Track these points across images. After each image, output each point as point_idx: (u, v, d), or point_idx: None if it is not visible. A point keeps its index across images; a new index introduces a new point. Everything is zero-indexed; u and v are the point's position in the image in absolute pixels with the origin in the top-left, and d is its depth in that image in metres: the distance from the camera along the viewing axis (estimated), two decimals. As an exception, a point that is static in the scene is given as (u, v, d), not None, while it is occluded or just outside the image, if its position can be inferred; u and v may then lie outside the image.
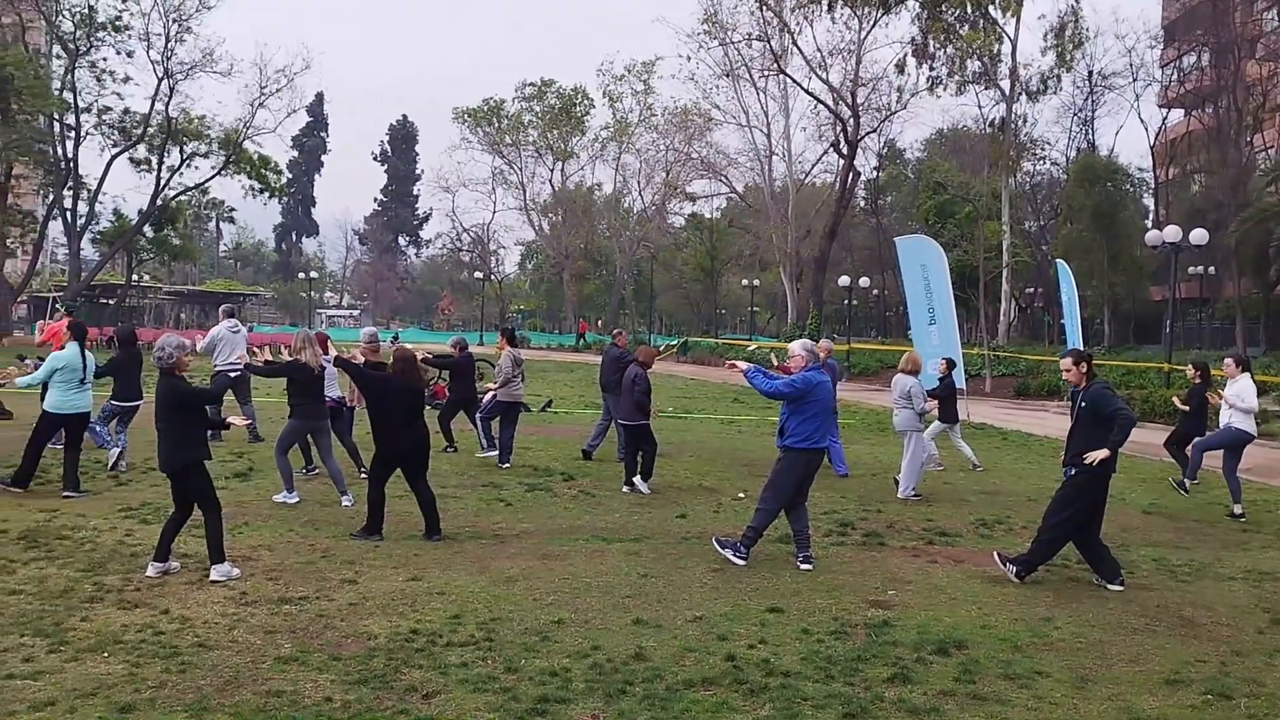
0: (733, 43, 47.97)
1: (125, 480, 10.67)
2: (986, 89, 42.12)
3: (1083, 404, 7.64)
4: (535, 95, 68.88)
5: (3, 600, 6.23)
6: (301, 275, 79.35)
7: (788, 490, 8.00)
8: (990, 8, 39.12)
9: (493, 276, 74.36)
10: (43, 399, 10.11)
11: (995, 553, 8.01)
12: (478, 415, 13.54)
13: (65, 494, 9.64)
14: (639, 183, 70.25)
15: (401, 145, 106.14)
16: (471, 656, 5.57)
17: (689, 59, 75.77)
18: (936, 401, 13.03)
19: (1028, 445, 17.31)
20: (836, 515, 10.04)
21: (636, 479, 11.13)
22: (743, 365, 8.23)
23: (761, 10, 45.16)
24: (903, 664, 5.69)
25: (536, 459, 13.27)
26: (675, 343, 52.94)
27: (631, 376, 11.31)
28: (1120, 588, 7.46)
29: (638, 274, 72.86)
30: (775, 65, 47.70)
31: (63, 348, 10.20)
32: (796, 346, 8.35)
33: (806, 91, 47.65)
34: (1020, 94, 41.62)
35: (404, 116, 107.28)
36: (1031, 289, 55.05)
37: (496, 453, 12.69)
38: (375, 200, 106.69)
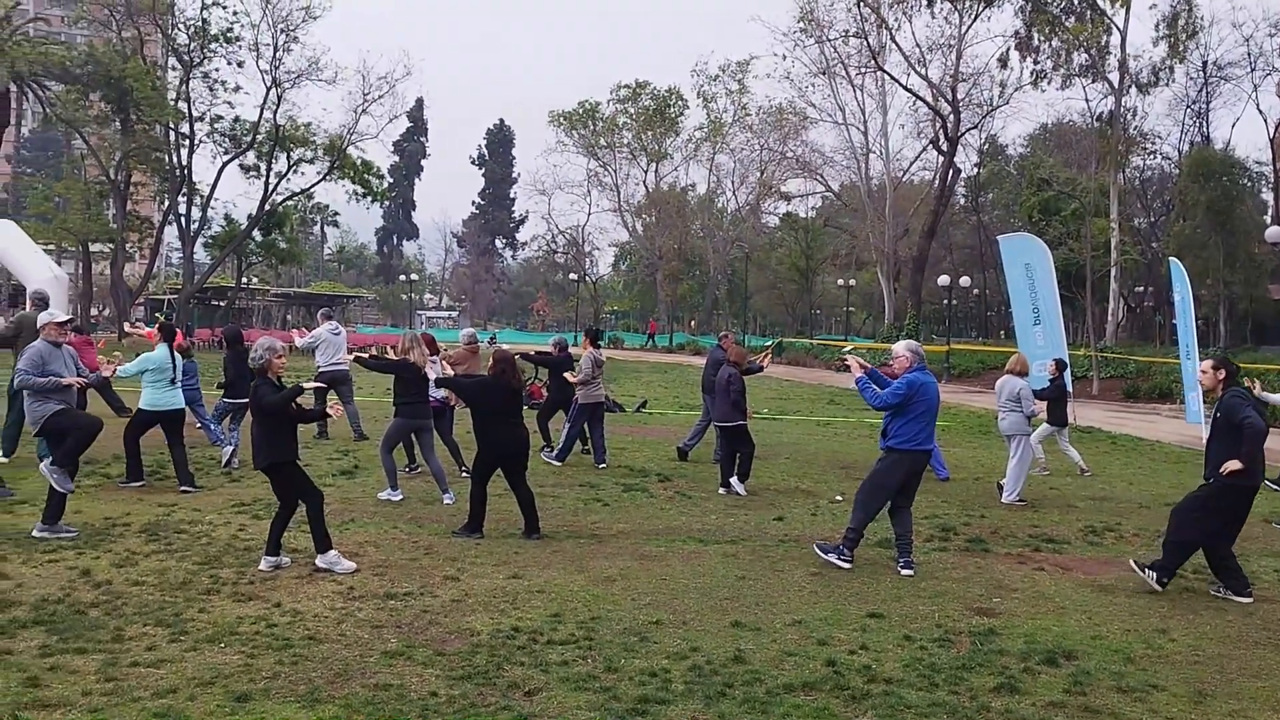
0: (829, 40, 47.48)
1: (237, 477, 11.05)
2: (1094, 82, 40.87)
3: (1217, 414, 7.38)
4: (630, 97, 69.17)
5: (127, 591, 6.51)
6: (402, 278, 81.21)
7: (888, 491, 7.88)
8: (1098, -1, 37.95)
9: (587, 278, 74.94)
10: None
11: (1131, 560, 7.75)
12: (566, 421, 13.61)
13: (182, 489, 10.03)
14: (733, 182, 70.08)
15: (499, 149, 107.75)
16: (572, 655, 5.63)
17: (784, 58, 74.97)
18: (1045, 404, 12.68)
19: (1138, 450, 16.73)
20: (938, 520, 9.85)
21: (734, 480, 11.09)
22: (858, 370, 8.07)
23: (859, 7, 44.58)
24: (1010, 674, 5.55)
25: (632, 460, 13.33)
26: (770, 344, 52.54)
27: (725, 377, 11.27)
28: (1248, 600, 7.17)
29: (731, 274, 72.60)
30: (873, 62, 47.09)
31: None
32: (901, 347, 8.18)
33: (905, 88, 46.94)
34: (1130, 86, 40.28)
35: (501, 120, 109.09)
36: (1141, 288, 53.17)
37: (557, 458, 12.70)
38: (473, 203, 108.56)
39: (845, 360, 8.27)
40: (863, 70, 49.66)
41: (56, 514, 7.96)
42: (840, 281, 62.13)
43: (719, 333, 16.25)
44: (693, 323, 79.61)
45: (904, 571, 7.72)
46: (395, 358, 10.11)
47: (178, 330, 11.01)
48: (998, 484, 11.50)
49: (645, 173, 71.65)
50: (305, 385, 7.67)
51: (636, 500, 10.58)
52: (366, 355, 10.69)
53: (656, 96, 68.77)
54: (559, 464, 12.53)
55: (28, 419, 8.30)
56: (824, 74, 50.97)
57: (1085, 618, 6.71)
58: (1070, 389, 14.30)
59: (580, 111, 69.78)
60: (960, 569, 7.99)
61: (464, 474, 11.26)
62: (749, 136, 64.01)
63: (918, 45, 45.02)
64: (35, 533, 7.87)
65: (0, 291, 52.21)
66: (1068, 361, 14.35)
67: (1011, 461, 11.21)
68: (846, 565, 7.74)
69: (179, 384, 10.49)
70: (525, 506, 8.65)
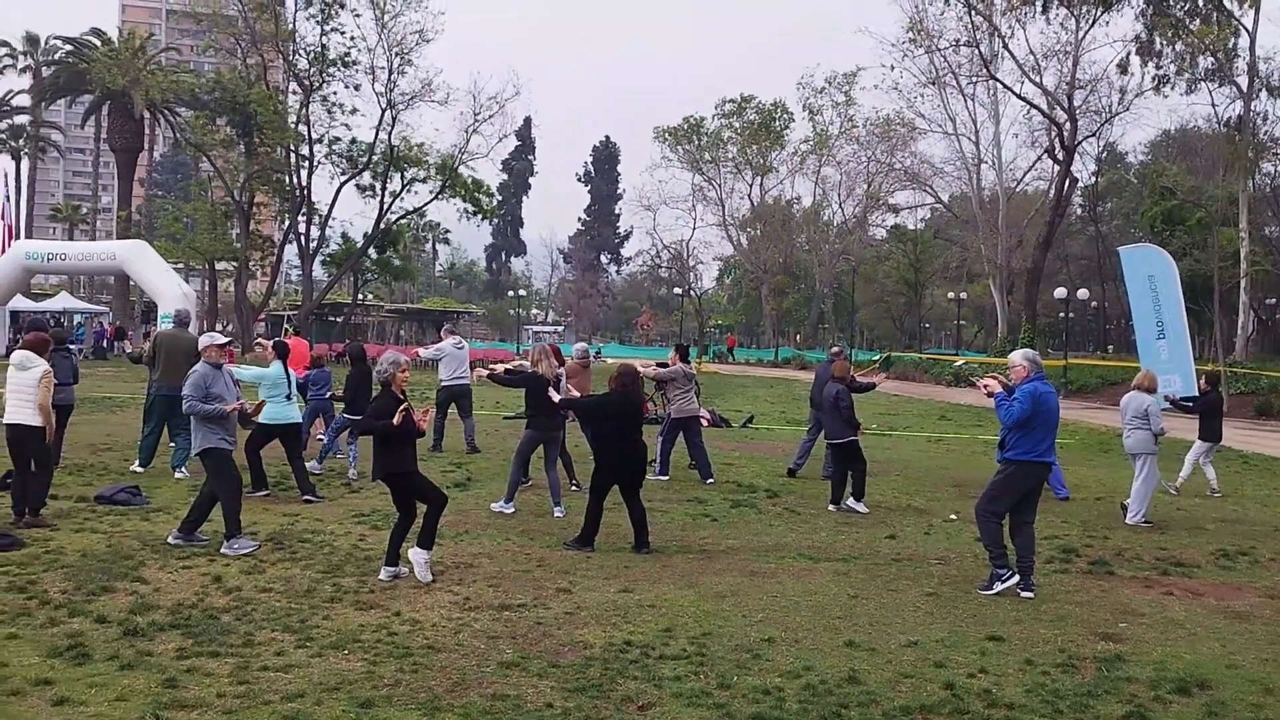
0: (939, 50, 46.61)
1: (357, 488, 11.39)
2: (1220, 86, 39.18)
3: None
4: (734, 111, 69.11)
5: (256, 597, 6.77)
6: (510, 293, 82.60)
7: (1006, 504, 7.68)
8: (1225, 0, 36.39)
9: (691, 292, 74.98)
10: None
11: None
12: (658, 436, 13.59)
13: (304, 499, 10.38)
14: (839, 195, 69.37)
15: (604, 165, 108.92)
16: (684, 670, 5.63)
17: (892, 68, 73.89)
18: (1168, 419, 12.16)
19: (1273, 470, 15.94)
20: (1058, 541, 9.54)
21: (851, 500, 10.90)
22: (995, 387, 7.84)
23: (970, 15, 43.69)
24: (1138, 702, 5.35)
25: (740, 475, 13.28)
26: (877, 358, 51.78)
27: (834, 394, 11.12)
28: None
29: (837, 287, 71.83)
30: (984, 71, 46.04)
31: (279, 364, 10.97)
32: (1018, 356, 7.97)
33: (1018, 96, 45.80)
34: (1260, 90, 38.46)
35: (606, 137, 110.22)
36: (1273, 300, 50.68)
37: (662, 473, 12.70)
38: (579, 220, 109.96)
39: (977, 382, 8.06)
40: (974, 79, 48.71)
41: (194, 526, 8.31)
42: (950, 294, 60.86)
43: (829, 347, 16.03)
44: (798, 337, 78.93)
45: (1024, 593, 7.49)
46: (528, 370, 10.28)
47: (298, 342, 11.38)
48: (1121, 504, 11.09)
49: (750, 186, 71.50)
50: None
51: (745, 516, 10.54)
52: (500, 370, 10.76)
53: (762, 110, 68.55)
54: (665, 478, 12.56)
55: (194, 441, 8.53)
56: (933, 84, 50.14)
57: (1219, 645, 6.42)
58: (1225, 402, 13.70)
59: (685, 127, 70.00)
60: (1083, 592, 7.72)
61: (574, 487, 11.41)
62: (856, 148, 63.42)
63: (1032, 52, 43.80)
64: (170, 540, 8.24)
65: (134, 308, 54.86)
66: (1189, 376, 13.80)
67: (1136, 481, 10.80)
68: (1013, 580, 7.52)
69: (294, 399, 10.85)
70: (637, 521, 8.70)
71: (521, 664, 5.65)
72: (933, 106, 53.57)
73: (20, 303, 40.49)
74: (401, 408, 7.27)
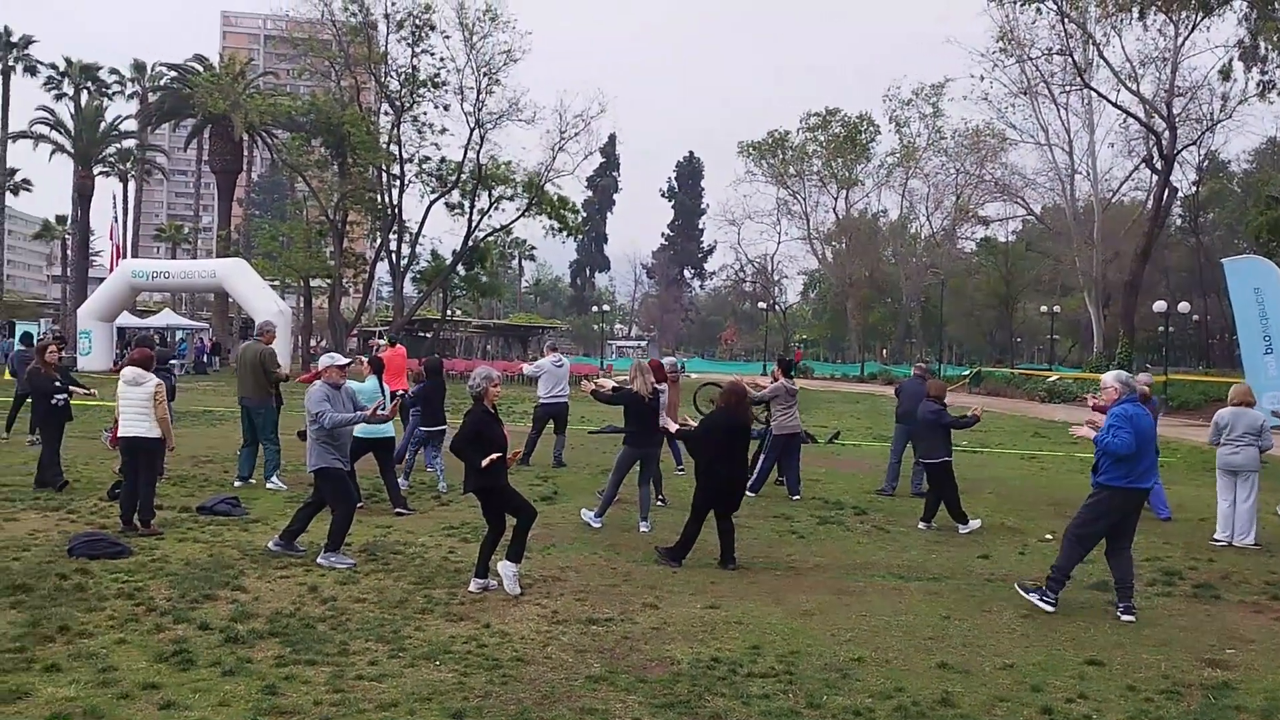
0: (1030, 59, 45.65)
1: (446, 500, 11.57)
2: (1330, 90, 37.53)
3: None
4: (819, 125, 68.67)
5: (350, 607, 6.92)
6: (594, 309, 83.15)
7: (1097, 531, 7.46)
8: (1334, 1, 34.91)
9: (775, 306, 74.59)
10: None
11: None
12: (760, 453, 13.52)
13: (395, 511, 10.58)
14: (927, 208, 68.43)
15: (688, 181, 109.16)
16: (773, 688, 5.58)
17: (981, 78, 72.90)
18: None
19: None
20: (1160, 563, 9.22)
21: (963, 524, 10.64)
22: (1087, 433, 7.63)
23: (1063, 23, 42.71)
24: (1249, 733, 5.13)
25: (826, 491, 13.14)
26: (967, 373, 50.78)
27: (929, 412, 10.89)
28: None
29: (925, 301, 70.68)
30: (1078, 79, 44.98)
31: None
32: (1109, 378, 7.75)
33: (1114, 105, 44.57)
34: (1372, 94, 36.76)
35: (690, 153, 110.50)
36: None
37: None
38: (662, 235, 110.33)
39: (1072, 431, 7.92)
40: (1067, 88, 47.56)
41: (294, 535, 8.53)
42: (1044, 308, 59.35)
43: (914, 361, 15.77)
44: (884, 351, 77.86)
45: (1125, 617, 7.26)
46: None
47: (396, 352, 11.59)
48: (1213, 535, 10.65)
49: (835, 200, 70.89)
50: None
51: (832, 533, 10.42)
52: (606, 387, 10.72)
53: (847, 123, 67.99)
54: (753, 495, 12.47)
55: (309, 459, 8.61)
56: (1025, 94, 49.11)
57: (1336, 675, 6.12)
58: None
59: (769, 141, 69.81)
60: (1187, 616, 7.45)
61: (659, 502, 11.41)
62: (944, 160, 62.47)
63: (1128, 60, 42.63)
64: (270, 546, 8.48)
65: (232, 324, 56.65)
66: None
67: (1243, 501, 10.37)
68: (1049, 608, 7.35)
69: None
70: (725, 537, 8.66)
71: (609, 678, 5.67)
72: (1024, 116, 52.47)
73: (126, 319, 42.13)
74: (494, 456, 7.35)
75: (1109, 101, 44.78)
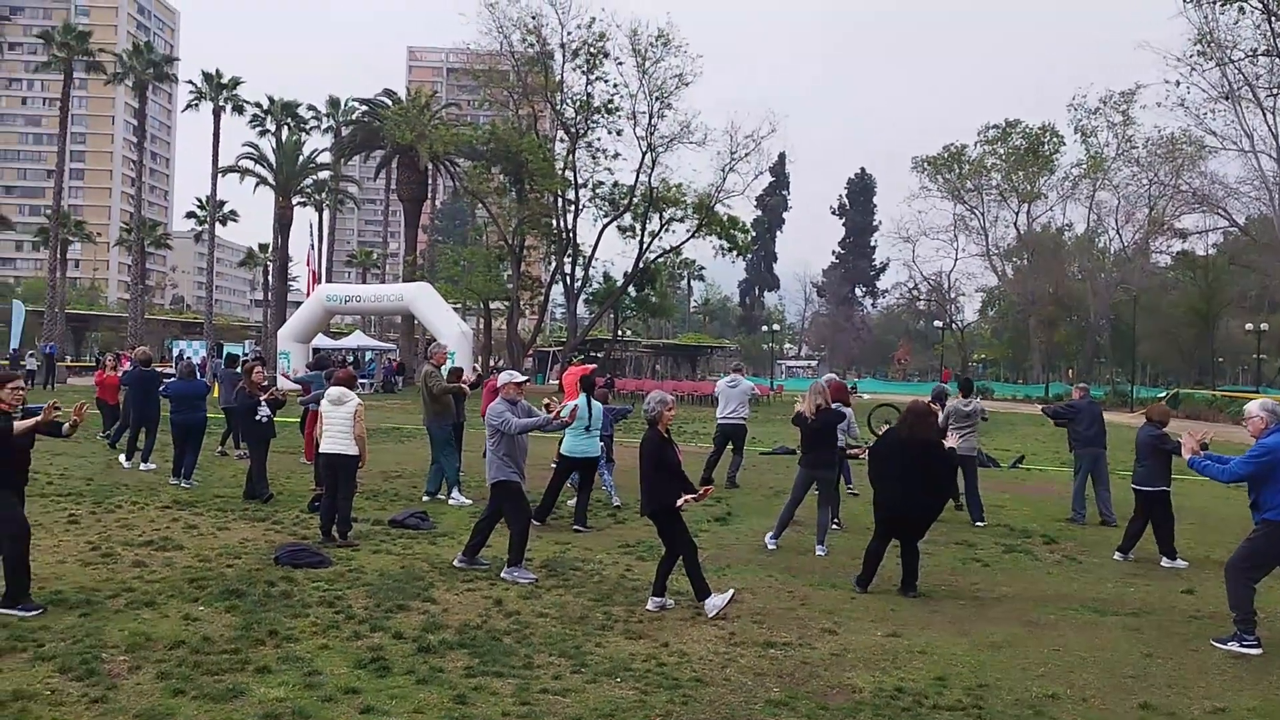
0: (1232, 61, 42.90)
1: (622, 519, 11.73)
2: None
3: None
4: (999, 138, 66.54)
5: (534, 621, 7.11)
6: (764, 328, 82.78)
7: (1263, 568, 7.12)
8: None
9: (952, 325, 72.36)
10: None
11: None
12: None
13: (574, 528, 10.81)
14: (1116, 220, 65.19)
15: (859, 198, 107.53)
16: (960, 723, 5.40)
17: (1177, 84, 68.91)
18: None
19: None
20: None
21: (1164, 560, 10.00)
22: (1188, 451, 7.29)
23: (1269, 23, 39.97)
24: None
25: (1011, 518, 12.63)
26: (1163, 395, 47.87)
27: (1150, 437, 10.26)
28: None
29: (1115, 319, 67.10)
30: (1287, 80, 41.91)
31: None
32: (1254, 407, 7.35)
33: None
34: None
35: (862, 169, 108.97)
36: None
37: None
38: (833, 253, 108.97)
39: (1191, 444, 7.47)
40: (1275, 91, 44.36)
41: (476, 550, 8.83)
42: (1249, 326, 55.37)
43: (1076, 383, 14.87)
44: (1070, 371, 74.28)
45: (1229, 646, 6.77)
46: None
47: (580, 370, 11.84)
48: None
49: (1016, 214, 68.47)
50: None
51: (1019, 562, 10.00)
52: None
53: (1028, 135, 65.59)
54: (980, 525, 12.07)
55: (488, 472, 8.88)
56: (1226, 98, 46.09)
57: None
58: None
59: (945, 156, 68.01)
60: None
61: (835, 525, 11.24)
62: (1135, 170, 59.43)
63: (1345, 57, 39.52)
64: (455, 563, 8.80)
65: (418, 345, 59.26)
66: None
67: None
68: (1255, 650, 6.85)
69: (594, 432, 11.27)
70: (907, 564, 8.43)
71: (789, 704, 5.61)
72: (1225, 122, 49.41)
73: (321, 340, 44.68)
74: (689, 496, 7.50)
75: (1323, 102, 41.57)
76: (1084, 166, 62.99)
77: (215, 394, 18.98)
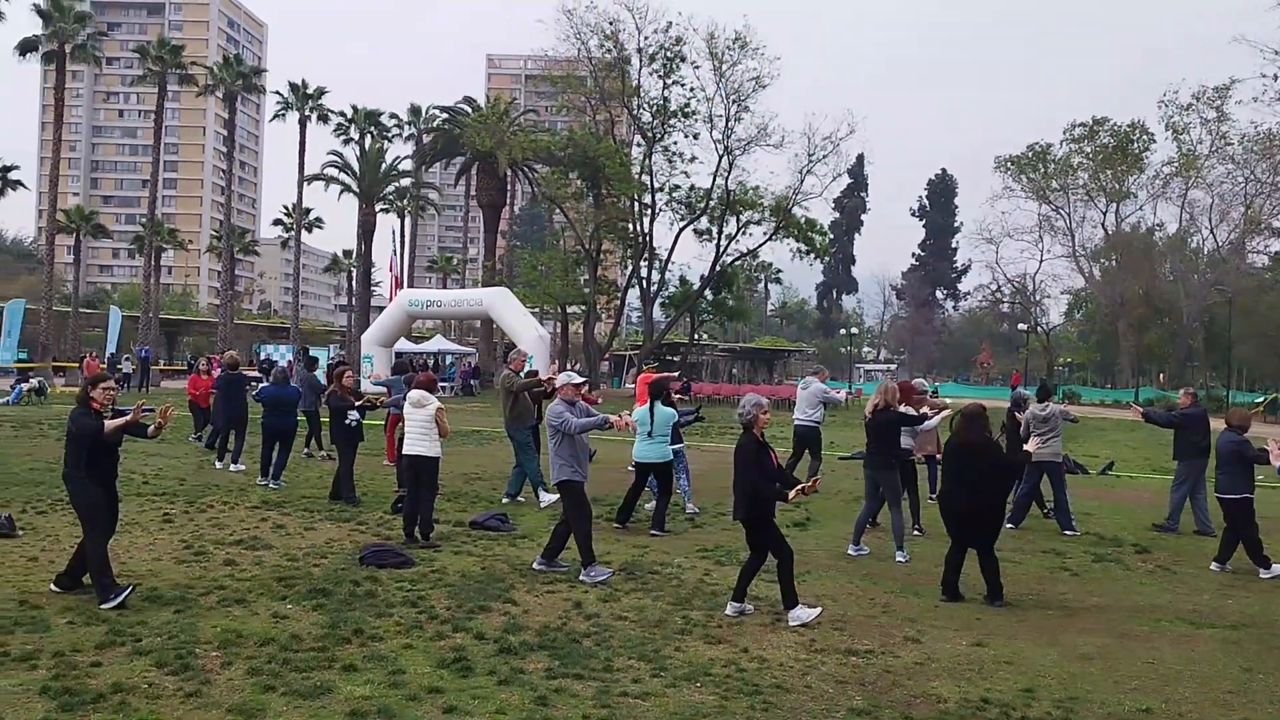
0: (1335, 51, 41.13)
1: (700, 523, 11.69)
2: None
3: None
4: (1085, 136, 64.79)
5: (613, 624, 7.12)
6: (841, 331, 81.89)
7: None
8: None
9: (1037, 328, 70.72)
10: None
11: None
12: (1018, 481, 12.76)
13: (651, 532, 10.81)
14: (1210, 220, 62.94)
15: (940, 198, 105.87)
16: (1050, 736, 5.26)
17: (1275, 77, 66.55)
18: None
19: None
20: None
21: (1261, 570, 9.67)
22: (1276, 460, 6.88)
23: (1373, 9, 38.30)
24: None
25: (1102, 526, 12.28)
26: (1260, 400, 46.16)
27: (1229, 443, 9.91)
28: None
29: (1209, 321, 64.84)
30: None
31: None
32: None
33: None
34: None
35: (943, 170, 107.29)
36: None
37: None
38: (913, 255, 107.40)
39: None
40: (1379, 82, 42.52)
41: (555, 553, 8.89)
42: (1354, 328, 53.13)
43: (1191, 387, 14.32)
44: (1161, 376, 72.02)
45: None
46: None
47: (666, 388, 11.83)
48: None
49: (1104, 214, 66.60)
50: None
51: (1110, 572, 9.71)
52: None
53: (1117, 133, 63.77)
54: (1012, 528, 11.82)
55: (552, 472, 9.02)
56: (1329, 89, 44.27)
57: None
58: None
59: (1029, 155, 66.54)
60: None
61: (916, 532, 11.08)
62: (1230, 168, 57.34)
63: None
64: (535, 565, 8.87)
65: (495, 349, 59.94)
66: None
67: None
68: None
69: (659, 437, 11.24)
70: (984, 572, 8.26)
71: (872, 712, 5.53)
72: (1327, 116, 47.29)
73: (402, 344, 45.44)
74: (800, 487, 7.55)
75: None
76: (1176, 164, 61.01)
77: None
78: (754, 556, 7.59)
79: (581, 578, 8.43)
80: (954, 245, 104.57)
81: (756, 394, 8.18)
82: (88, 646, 6.19)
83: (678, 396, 12.68)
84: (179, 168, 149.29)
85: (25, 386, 29.25)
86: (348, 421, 12.55)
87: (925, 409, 11.54)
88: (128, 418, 7.44)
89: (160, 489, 12.82)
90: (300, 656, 6.10)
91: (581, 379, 9.96)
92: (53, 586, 7.50)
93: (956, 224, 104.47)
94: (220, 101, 65.29)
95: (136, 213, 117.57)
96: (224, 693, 5.48)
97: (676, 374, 12.65)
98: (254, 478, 13.89)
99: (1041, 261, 71.97)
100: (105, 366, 34.27)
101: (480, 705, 5.41)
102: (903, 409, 10.44)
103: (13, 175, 54.56)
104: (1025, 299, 73.38)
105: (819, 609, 7.44)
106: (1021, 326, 68.94)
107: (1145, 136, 63.24)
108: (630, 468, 11.84)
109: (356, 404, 12.76)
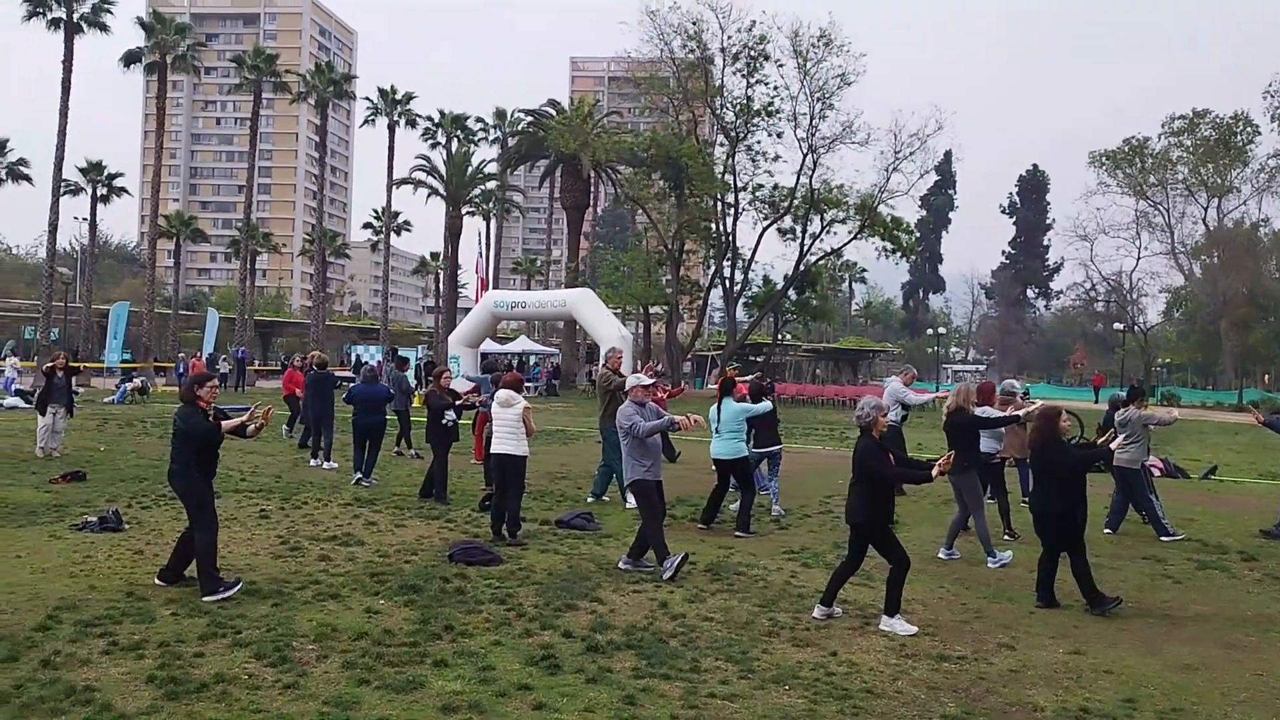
0: None
1: (785, 525, 11.61)
2: None
3: None
4: (1185, 129, 62.62)
5: (699, 625, 7.11)
6: (929, 331, 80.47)
7: None
8: None
9: (1134, 327, 68.57)
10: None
11: None
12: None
13: (736, 534, 10.76)
14: (1320, 215, 60.19)
15: (1031, 195, 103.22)
16: (1153, 748, 5.09)
17: (1388, 64, 63.39)
18: None
19: None
20: None
21: None
22: None
23: None
24: None
25: (1204, 532, 11.83)
26: (1374, 402, 44.04)
27: None
28: None
29: (1319, 321, 62.14)
30: None
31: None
32: None
33: None
34: None
35: (1034, 166, 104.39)
36: None
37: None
38: (1002, 253, 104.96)
39: None
40: None
41: (640, 553, 8.92)
42: None
43: None
44: (1266, 377, 69.27)
45: None
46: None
47: (738, 383, 11.83)
48: None
49: (1205, 210, 64.27)
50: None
51: (1214, 580, 9.36)
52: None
53: (1219, 125, 61.49)
54: (1110, 533, 11.48)
55: (625, 472, 9.20)
56: None
57: None
58: None
59: (1126, 149, 64.56)
60: None
61: (1007, 536, 10.84)
62: (1341, 160, 54.73)
63: None
64: (620, 565, 8.90)
65: (579, 350, 60.35)
66: None
67: None
68: None
69: (723, 435, 11.17)
70: (1076, 579, 7.99)
71: (966, 719, 5.42)
72: None
73: (488, 345, 46.03)
74: (939, 463, 7.46)
75: None
76: (1281, 157, 58.70)
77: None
78: (850, 560, 7.47)
79: (663, 576, 8.44)
80: (1046, 243, 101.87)
81: (875, 397, 8.00)
82: (191, 637, 6.40)
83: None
84: (273, 173, 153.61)
85: (129, 386, 30.50)
86: (444, 421, 12.75)
87: (1017, 410, 11.26)
88: (241, 419, 7.82)
89: (257, 485, 13.20)
90: (393, 651, 6.22)
91: (651, 379, 9.97)
92: (157, 580, 7.78)
93: (1049, 221, 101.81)
94: (312, 108, 66.95)
95: (233, 217, 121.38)
96: (320, 685, 5.61)
97: (759, 374, 12.54)
98: (347, 475, 14.20)
99: (1139, 259, 69.83)
100: (205, 365, 35.43)
101: (569, 703, 5.44)
102: (983, 411, 10.22)
103: (118, 183, 56.70)
104: (1121, 297, 71.21)
105: (915, 629, 7.14)
106: (1117, 326, 66.97)
107: (1249, 128, 60.89)
108: (712, 468, 11.83)
109: (455, 404, 12.98)
